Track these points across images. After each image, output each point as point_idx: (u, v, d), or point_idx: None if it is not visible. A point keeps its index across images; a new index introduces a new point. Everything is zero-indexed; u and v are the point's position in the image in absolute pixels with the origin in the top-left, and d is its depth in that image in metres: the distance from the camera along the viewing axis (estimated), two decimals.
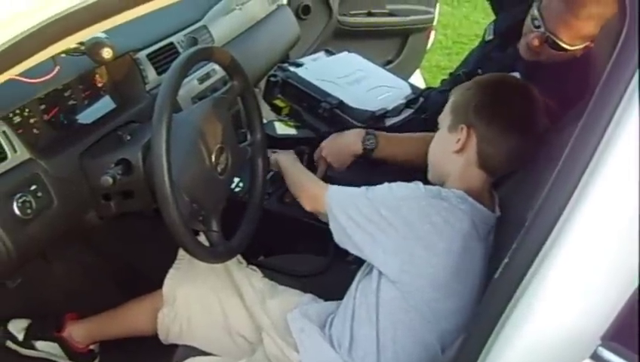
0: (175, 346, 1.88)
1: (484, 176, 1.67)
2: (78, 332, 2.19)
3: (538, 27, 1.94)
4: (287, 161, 2.04)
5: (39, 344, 2.20)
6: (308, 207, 1.83)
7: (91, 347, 2.24)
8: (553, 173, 1.03)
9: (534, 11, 1.96)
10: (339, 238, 1.67)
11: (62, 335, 2.19)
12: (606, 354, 0.98)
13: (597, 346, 0.99)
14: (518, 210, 1.51)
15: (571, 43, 1.91)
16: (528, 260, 1.03)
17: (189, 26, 2.39)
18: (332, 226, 1.68)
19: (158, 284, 1.95)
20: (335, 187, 1.74)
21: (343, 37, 3.70)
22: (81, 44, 1.51)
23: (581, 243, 0.98)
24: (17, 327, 2.21)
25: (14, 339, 2.20)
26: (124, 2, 1.28)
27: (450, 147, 1.68)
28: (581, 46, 1.91)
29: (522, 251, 1.05)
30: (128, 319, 2.08)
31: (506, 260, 1.09)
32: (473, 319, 1.37)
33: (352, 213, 1.62)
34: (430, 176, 1.80)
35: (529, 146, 1.61)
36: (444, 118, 1.74)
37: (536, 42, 1.97)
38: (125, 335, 2.09)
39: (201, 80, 2.28)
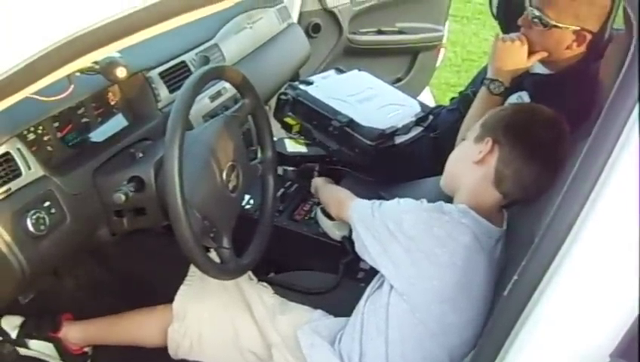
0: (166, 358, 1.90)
1: (496, 196, 1.67)
2: (74, 333, 2.16)
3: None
4: (322, 180, 2.25)
5: (33, 343, 2.16)
6: (333, 212, 2.01)
7: (85, 349, 2.22)
8: (561, 191, 1.05)
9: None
10: (358, 248, 1.74)
11: (58, 336, 2.16)
12: None
13: None
14: (526, 227, 1.51)
15: (558, 19, 1.94)
16: (537, 277, 1.04)
17: (200, 44, 2.40)
18: (353, 236, 1.75)
19: (166, 300, 1.96)
20: (359, 200, 1.82)
21: (353, 55, 3.71)
22: (96, 63, 1.54)
23: (589, 260, 0.99)
24: (11, 324, 2.15)
25: (7, 337, 2.15)
26: (140, 23, 1.29)
27: (471, 156, 1.70)
28: (570, 27, 1.94)
29: (531, 268, 1.06)
30: (132, 327, 2.07)
31: (515, 277, 1.10)
32: (483, 335, 1.38)
33: (368, 225, 1.69)
34: (442, 183, 1.83)
35: (547, 180, 1.59)
36: (473, 131, 1.76)
37: (524, 23, 2.02)
38: (125, 343, 2.08)
39: (212, 98, 2.30)
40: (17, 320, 2.16)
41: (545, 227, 1.06)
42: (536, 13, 1.95)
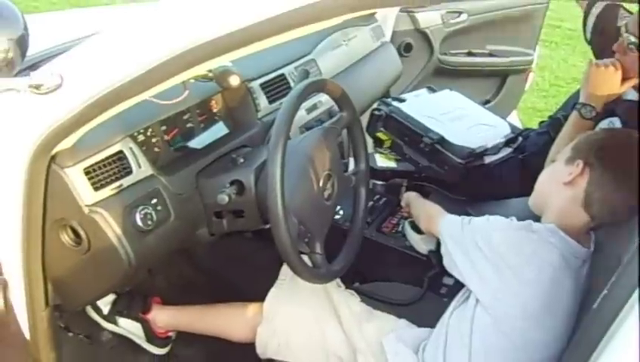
0: (253, 356, 1.97)
1: (584, 218, 1.68)
2: (162, 317, 2.25)
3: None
4: (415, 194, 2.27)
5: (122, 321, 2.23)
6: (423, 226, 2.05)
7: (170, 334, 2.31)
8: None
9: (622, 24, 2.00)
10: (446, 263, 1.77)
11: (147, 317, 2.25)
12: None
13: None
14: (614, 250, 1.52)
15: None
16: (627, 293, 1.05)
17: (298, 59, 2.50)
18: (442, 250, 1.79)
19: (254, 300, 2.04)
20: (450, 215, 1.87)
21: (443, 75, 3.75)
22: (210, 71, 1.63)
23: None
24: (104, 300, 2.20)
25: (99, 311, 2.21)
26: (252, 36, 1.37)
27: (561, 177, 1.72)
28: None
29: (620, 284, 1.08)
30: (220, 320, 2.15)
31: (604, 292, 1.12)
32: (568, 349, 1.40)
33: (457, 241, 1.73)
34: (531, 202, 1.86)
35: (636, 204, 1.55)
36: (564, 153, 1.78)
37: (617, 47, 2.01)
38: (210, 333, 2.16)
39: (309, 110, 2.39)
40: (110, 296, 2.22)
41: (636, 245, 1.08)
42: (632, 39, 1.95)
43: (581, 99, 2.10)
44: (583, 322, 1.25)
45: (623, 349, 1.07)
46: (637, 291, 1.03)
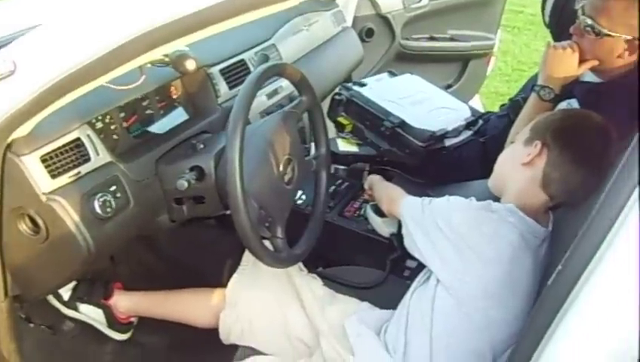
0: (217, 342, 1.97)
1: (543, 198, 1.70)
2: (124, 302, 2.25)
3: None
4: (378, 178, 2.26)
5: (83, 307, 2.22)
6: (385, 207, 2.06)
7: (132, 319, 2.31)
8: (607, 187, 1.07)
9: (578, 7, 2.02)
10: (407, 243, 1.78)
11: (108, 303, 2.24)
12: None
13: None
14: (571, 229, 1.52)
15: (610, 28, 1.93)
16: (580, 268, 1.05)
17: (259, 44, 2.49)
18: (403, 231, 1.80)
19: (217, 287, 2.05)
20: (410, 197, 1.88)
21: (405, 60, 3.76)
22: (166, 55, 1.62)
23: (633, 251, 0.99)
24: (65, 286, 2.17)
25: (59, 297, 2.20)
26: (209, 18, 1.36)
27: (519, 158, 1.73)
28: (622, 36, 1.93)
29: (575, 259, 1.08)
30: (183, 305, 2.16)
31: (559, 268, 1.12)
32: (524, 326, 1.41)
33: (418, 221, 1.73)
34: (490, 183, 1.87)
35: (593, 184, 1.57)
36: (523, 134, 1.80)
37: (576, 32, 2.02)
38: (173, 319, 2.16)
39: (269, 96, 2.38)
40: (71, 283, 2.20)
41: (590, 219, 1.08)
42: (589, 22, 1.96)
43: (539, 82, 2.12)
44: (539, 299, 1.26)
45: (577, 324, 1.08)
46: (589, 268, 1.04)
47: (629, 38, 1.93)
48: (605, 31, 1.94)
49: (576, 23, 2.03)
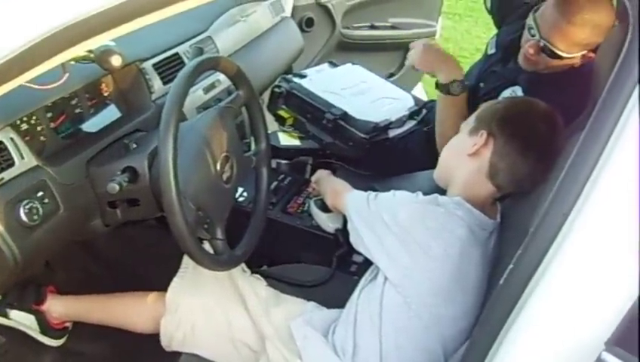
0: (159, 348, 1.89)
1: (490, 188, 1.68)
2: (58, 307, 2.14)
3: (534, 36, 1.98)
4: (326, 172, 2.24)
5: (14, 313, 2.11)
6: (329, 202, 2.01)
7: (66, 324, 2.20)
8: (557, 182, 1.05)
9: (530, 20, 2.00)
10: (353, 239, 1.74)
11: (41, 309, 2.13)
12: (610, 358, 0.99)
13: (601, 351, 1.00)
14: (520, 219, 1.51)
15: (567, 50, 1.94)
16: (533, 265, 1.04)
17: (194, 36, 2.41)
18: (349, 227, 1.75)
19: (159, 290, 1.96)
20: (356, 191, 1.83)
21: (346, 49, 3.72)
22: (90, 51, 1.53)
23: (585, 249, 0.99)
24: None
25: None
26: (136, 10, 1.29)
27: (465, 149, 1.70)
28: (578, 54, 1.95)
29: (527, 256, 1.06)
30: (120, 310, 2.07)
31: (510, 266, 1.10)
32: (478, 324, 1.38)
33: (363, 216, 1.69)
34: (436, 175, 1.84)
35: (541, 173, 1.58)
36: (467, 124, 1.77)
37: (531, 51, 2.01)
38: (110, 324, 2.07)
39: (206, 90, 2.31)
40: None
41: (541, 215, 1.06)
42: (548, 45, 1.96)
43: (443, 81, 2.11)
44: (492, 297, 1.24)
45: (531, 324, 1.08)
46: (542, 265, 1.01)
47: (585, 52, 1.96)
48: (563, 54, 1.96)
49: (534, 40, 1.99)
